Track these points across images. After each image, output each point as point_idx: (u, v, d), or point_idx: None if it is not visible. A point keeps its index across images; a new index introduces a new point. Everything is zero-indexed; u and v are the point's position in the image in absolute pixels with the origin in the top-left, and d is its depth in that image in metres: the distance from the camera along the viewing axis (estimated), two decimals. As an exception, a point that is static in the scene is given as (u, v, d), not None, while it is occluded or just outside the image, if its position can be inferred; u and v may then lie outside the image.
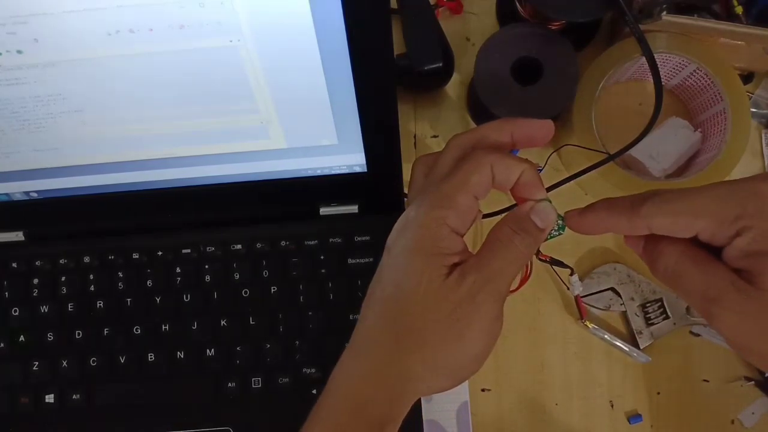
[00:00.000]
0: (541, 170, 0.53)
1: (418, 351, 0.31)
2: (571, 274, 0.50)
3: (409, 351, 0.31)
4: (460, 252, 0.32)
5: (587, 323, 0.50)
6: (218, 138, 0.43)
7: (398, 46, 0.50)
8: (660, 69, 0.47)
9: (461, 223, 0.32)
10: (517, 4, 0.52)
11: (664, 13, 0.46)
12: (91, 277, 0.49)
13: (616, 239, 0.53)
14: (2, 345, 0.48)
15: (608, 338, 0.50)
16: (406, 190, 0.50)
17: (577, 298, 0.51)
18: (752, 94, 0.53)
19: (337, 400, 0.33)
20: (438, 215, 0.31)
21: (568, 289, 0.51)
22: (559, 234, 0.52)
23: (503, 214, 0.49)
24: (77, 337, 0.48)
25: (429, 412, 0.49)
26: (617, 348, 0.51)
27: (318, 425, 0.33)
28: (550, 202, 0.33)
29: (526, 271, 0.50)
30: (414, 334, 0.31)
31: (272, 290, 0.48)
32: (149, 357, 0.48)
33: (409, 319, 0.31)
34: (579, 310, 0.51)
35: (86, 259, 0.50)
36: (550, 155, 0.52)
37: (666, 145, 0.51)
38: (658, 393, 0.51)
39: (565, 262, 0.45)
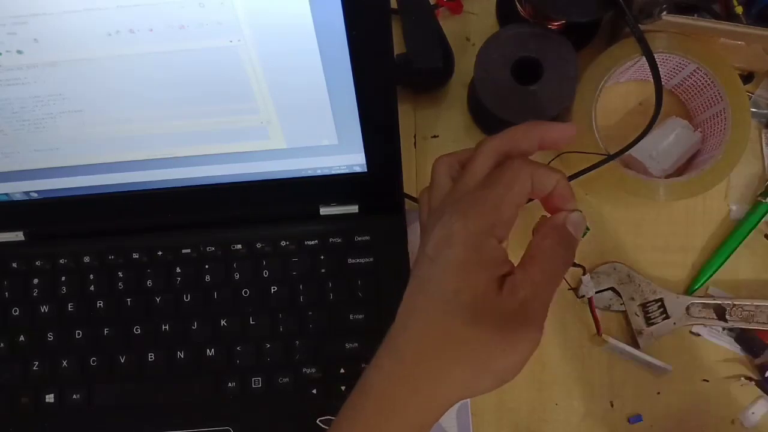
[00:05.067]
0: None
1: (470, 360, 0.32)
2: (584, 274, 0.49)
3: (460, 360, 0.32)
4: (506, 261, 0.33)
5: (604, 337, 0.49)
6: (218, 138, 0.43)
7: (398, 46, 0.50)
8: (660, 69, 0.47)
9: (505, 233, 0.32)
10: (517, 4, 0.52)
11: (664, 13, 0.46)
12: (91, 277, 0.49)
13: (615, 239, 0.53)
14: (2, 345, 0.48)
15: (629, 351, 0.49)
16: (406, 190, 0.50)
17: (591, 304, 0.49)
18: (752, 94, 0.53)
19: (374, 402, 0.33)
20: (484, 227, 0.32)
21: (571, 288, 0.51)
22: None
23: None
24: (77, 337, 0.48)
25: (429, 412, 0.49)
26: (638, 361, 0.50)
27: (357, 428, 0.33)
28: (581, 211, 0.34)
29: None
30: (467, 344, 0.32)
31: (272, 290, 0.48)
32: (149, 357, 0.48)
33: (463, 331, 0.32)
34: (595, 322, 0.50)
35: (86, 259, 0.50)
36: (551, 161, 0.52)
37: (666, 145, 0.51)
38: (658, 393, 0.51)
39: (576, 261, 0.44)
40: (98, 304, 0.49)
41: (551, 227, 0.34)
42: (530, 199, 0.35)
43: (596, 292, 0.51)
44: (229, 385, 0.47)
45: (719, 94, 0.49)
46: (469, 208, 0.32)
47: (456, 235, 0.32)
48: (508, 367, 0.33)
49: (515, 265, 0.34)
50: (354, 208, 0.50)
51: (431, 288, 0.33)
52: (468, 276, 0.32)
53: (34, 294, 0.49)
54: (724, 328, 0.51)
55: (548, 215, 0.36)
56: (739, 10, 0.49)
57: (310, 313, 0.48)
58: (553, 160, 0.52)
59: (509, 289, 0.32)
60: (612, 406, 0.51)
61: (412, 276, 0.34)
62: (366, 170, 0.46)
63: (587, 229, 0.36)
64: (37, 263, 0.50)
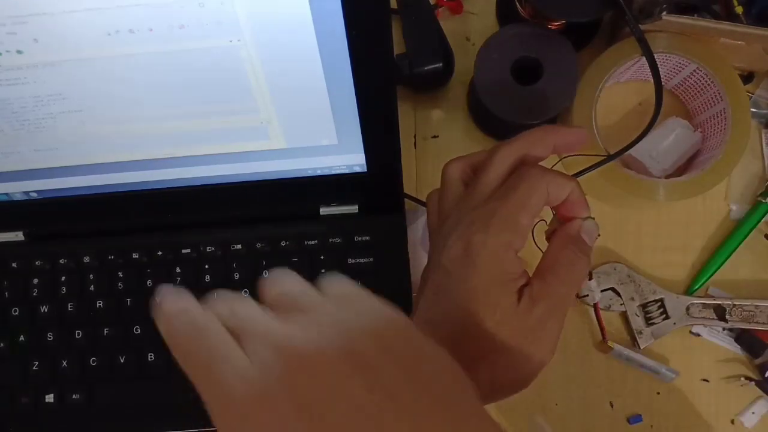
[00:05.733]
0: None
1: (485, 374, 0.32)
2: (590, 279, 0.48)
3: (480, 373, 0.32)
4: (523, 273, 0.33)
5: (610, 343, 0.49)
6: (218, 138, 0.43)
7: (398, 46, 0.50)
8: (660, 69, 0.47)
9: (522, 245, 0.32)
10: (517, 4, 0.52)
11: (664, 13, 0.46)
12: (91, 277, 0.49)
13: (615, 239, 0.53)
14: (2, 345, 0.48)
15: (635, 357, 0.49)
16: (406, 191, 0.50)
17: (597, 310, 0.49)
18: (752, 94, 0.53)
19: None
20: (505, 241, 0.31)
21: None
22: None
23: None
24: (77, 337, 0.48)
25: (429, 412, 0.49)
26: (644, 367, 0.50)
27: None
28: (593, 218, 0.34)
29: None
30: (484, 359, 0.32)
31: (272, 290, 0.48)
32: (149, 357, 0.48)
33: (483, 344, 0.32)
34: (600, 329, 0.49)
35: (86, 259, 0.50)
36: (555, 165, 0.52)
37: (666, 145, 0.51)
38: (658, 393, 0.51)
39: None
40: (98, 304, 0.49)
41: (567, 237, 0.34)
42: None
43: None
44: (229, 385, 0.47)
45: (719, 94, 0.49)
46: (488, 220, 0.32)
47: (475, 249, 0.32)
48: (523, 379, 0.33)
49: (530, 275, 0.34)
50: (354, 208, 0.50)
51: (448, 301, 0.32)
52: (487, 291, 0.32)
53: (34, 294, 0.49)
54: (724, 328, 0.51)
55: (549, 215, 0.36)
56: (739, 10, 0.49)
57: (310, 313, 0.48)
58: (556, 164, 0.52)
59: (528, 302, 0.32)
60: (612, 406, 0.51)
61: (426, 285, 0.34)
62: (366, 170, 0.46)
63: (598, 234, 0.36)
64: (37, 263, 0.50)
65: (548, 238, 0.36)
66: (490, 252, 0.31)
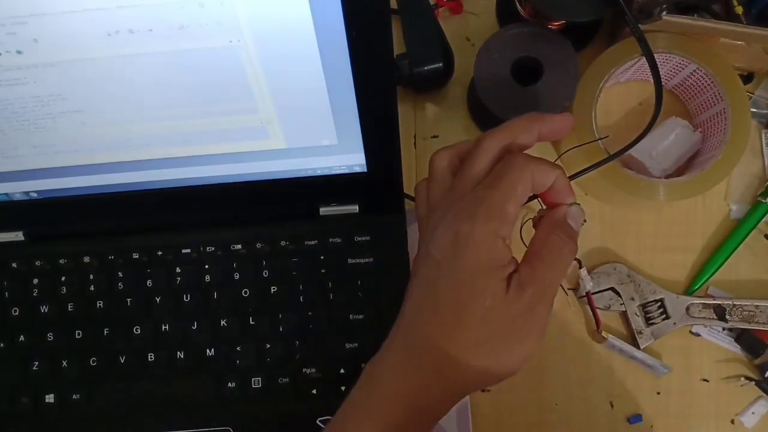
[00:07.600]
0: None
1: (477, 360, 0.33)
2: (580, 267, 0.49)
3: (472, 359, 0.33)
4: (511, 260, 0.33)
5: (604, 334, 0.50)
6: (218, 138, 0.43)
7: (398, 46, 0.50)
8: (660, 69, 0.47)
9: (509, 232, 0.33)
10: (517, 4, 0.52)
11: (664, 13, 0.46)
12: (91, 277, 0.49)
13: (615, 239, 0.53)
14: (2, 345, 0.48)
15: (628, 350, 0.50)
16: (406, 191, 0.50)
17: (590, 299, 0.49)
18: (752, 94, 0.53)
19: (385, 397, 0.34)
20: (492, 229, 0.32)
21: (571, 289, 0.51)
22: None
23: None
24: (77, 337, 0.48)
25: (429, 412, 0.49)
26: (636, 362, 0.50)
27: (366, 419, 0.34)
28: (579, 204, 0.34)
29: None
30: (476, 346, 0.32)
31: (272, 290, 0.48)
32: (149, 357, 0.48)
33: (474, 331, 0.32)
34: (594, 317, 0.50)
35: (86, 259, 0.50)
36: (555, 161, 0.52)
37: (666, 145, 0.51)
38: (658, 393, 0.51)
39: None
40: (98, 304, 0.49)
41: (553, 223, 0.34)
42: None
43: (596, 292, 0.51)
44: (229, 385, 0.47)
45: (719, 94, 0.49)
46: (475, 209, 0.32)
47: (463, 238, 0.32)
48: (513, 364, 0.33)
49: (518, 261, 0.34)
50: (354, 208, 0.50)
51: (438, 290, 0.33)
52: (477, 279, 0.32)
53: (34, 294, 0.49)
54: (723, 328, 0.51)
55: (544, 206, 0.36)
56: (739, 10, 0.49)
57: (310, 313, 0.48)
58: (556, 160, 0.52)
59: (516, 288, 0.32)
60: (612, 406, 0.51)
61: (417, 275, 0.34)
62: (366, 170, 0.46)
63: (584, 220, 0.36)
64: (37, 263, 0.50)
65: (535, 225, 0.36)
66: (478, 240, 0.32)
